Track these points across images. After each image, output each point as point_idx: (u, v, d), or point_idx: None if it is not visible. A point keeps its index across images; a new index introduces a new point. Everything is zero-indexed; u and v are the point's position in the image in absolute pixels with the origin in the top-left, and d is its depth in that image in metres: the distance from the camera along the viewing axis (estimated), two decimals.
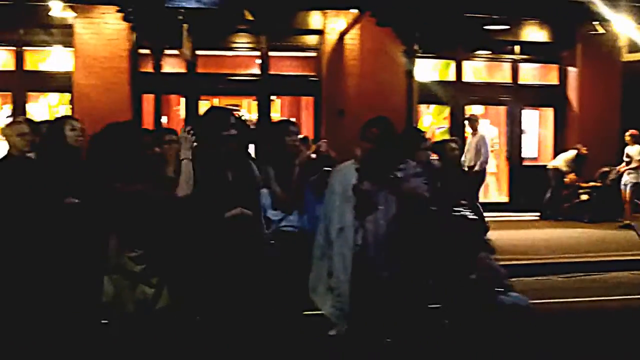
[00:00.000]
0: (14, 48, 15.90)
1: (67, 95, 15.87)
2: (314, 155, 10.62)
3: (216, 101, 16.47)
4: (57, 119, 7.67)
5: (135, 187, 5.89)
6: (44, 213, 6.47)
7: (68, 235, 6.43)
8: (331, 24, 16.29)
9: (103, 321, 6.32)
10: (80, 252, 6.35)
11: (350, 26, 16.00)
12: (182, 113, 16.56)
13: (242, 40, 16.53)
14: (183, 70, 15.80)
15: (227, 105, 15.55)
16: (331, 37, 16.34)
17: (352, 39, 16.18)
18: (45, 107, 16.13)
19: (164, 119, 15.15)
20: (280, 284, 6.69)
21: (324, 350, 6.73)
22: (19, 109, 15.36)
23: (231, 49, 16.63)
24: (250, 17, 14.95)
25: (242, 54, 16.77)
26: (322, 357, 6.65)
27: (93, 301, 6.09)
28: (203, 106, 15.87)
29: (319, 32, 16.45)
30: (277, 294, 6.71)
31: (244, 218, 5.96)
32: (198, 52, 15.81)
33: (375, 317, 6.05)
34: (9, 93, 15.91)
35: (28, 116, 14.72)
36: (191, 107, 16.03)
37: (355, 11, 15.20)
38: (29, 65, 16.02)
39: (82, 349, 6.36)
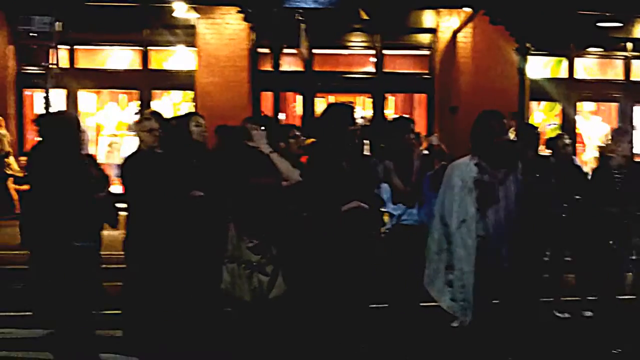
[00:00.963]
0: (140, 48, 16.67)
1: (190, 93, 16.56)
2: (426, 152, 10.85)
3: (332, 98, 16.88)
4: (183, 115, 7.97)
5: (266, 180, 6.26)
6: (171, 205, 6.84)
7: (192, 226, 6.77)
8: (444, 23, 16.53)
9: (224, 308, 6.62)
10: (203, 241, 6.63)
11: (463, 24, 16.19)
12: (299, 110, 17.05)
13: (357, 39, 16.89)
14: (300, 68, 16.27)
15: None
16: (444, 36, 16.57)
17: (464, 37, 16.37)
18: (168, 104, 16.85)
19: (281, 116, 15.69)
20: (399, 276, 6.94)
21: (446, 341, 6.97)
22: (144, 107, 16.13)
23: (346, 47, 17.01)
24: (365, 17, 15.30)
25: (357, 53, 17.13)
26: (444, 348, 6.84)
27: (213, 289, 6.35)
28: (319, 103, 16.35)
29: (432, 31, 16.70)
30: (393, 286, 6.96)
31: (361, 211, 6.03)
32: (314, 51, 16.25)
33: (495, 307, 6.13)
34: (135, 91, 16.70)
35: (146, 114, 15.57)
36: (307, 105, 16.51)
37: (469, 10, 15.40)
38: (153, 65, 16.78)
39: (203, 332, 6.69)
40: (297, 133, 7.56)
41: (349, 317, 6.04)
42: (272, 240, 6.16)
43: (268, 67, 15.28)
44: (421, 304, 7.05)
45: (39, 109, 15.58)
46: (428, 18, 16.59)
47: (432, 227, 6.27)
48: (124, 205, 6.94)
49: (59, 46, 14.85)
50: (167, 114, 15.24)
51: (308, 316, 6.13)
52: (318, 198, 6.06)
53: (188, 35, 16.34)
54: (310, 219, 6.06)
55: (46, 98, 14.39)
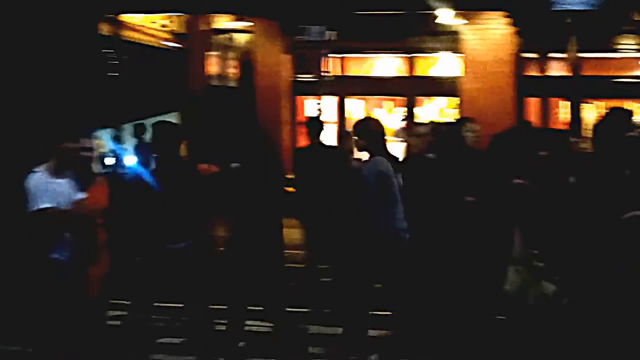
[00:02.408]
0: (406, 55, 17.00)
1: (454, 99, 16.63)
2: None
3: (601, 105, 16.26)
4: (455, 121, 8.08)
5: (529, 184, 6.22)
6: (445, 209, 6.96)
7: (467, 230, 6.87)
8: None
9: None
10: (481, 244, 6.75)
11: None
12: (562, 116, 16.60)
13: (628, 42, 16.16)
14: (567, 73, 15.82)
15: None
16: None
17: None
18: (433, 111, 17.02)
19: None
20: None
21: None
22: (410, 113, 16.42)
23: (616, 50, 16.34)
24: (638, 18, 14.64)
25: (628, 56, 16.40)
26: None
27: (497, 288, 6.38)
28: (586, 110, 15.81)
29: None
30: None
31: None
32: (582, 55, 15.73)
33: None
34: (401, 97, 17.05)
35: (417, 119, 15.84)
36: (574, 111, 16.01)
37: None
38: (419, 71, 17.04)
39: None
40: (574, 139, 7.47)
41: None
42: (556, 249, 6.10)
43: (533, 72, 15.04)
44: None
45: (310, 114, 16.33)
46: None
47: None
48: None
49: (330, 55, 15.50)
50: (431, 120, 15.62)
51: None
52: (599, 205, 5.91)
53: (452, 41, 16.42)
54: (590, 226, 5.94)
55: (319, 105, 15.11)
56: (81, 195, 5.80)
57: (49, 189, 5.63)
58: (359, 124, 7.04)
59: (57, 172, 5.75)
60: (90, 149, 6.04)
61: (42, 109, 12.17)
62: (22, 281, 5.99)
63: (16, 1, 13.53)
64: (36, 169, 5.74)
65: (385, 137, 6.87)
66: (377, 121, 7.29)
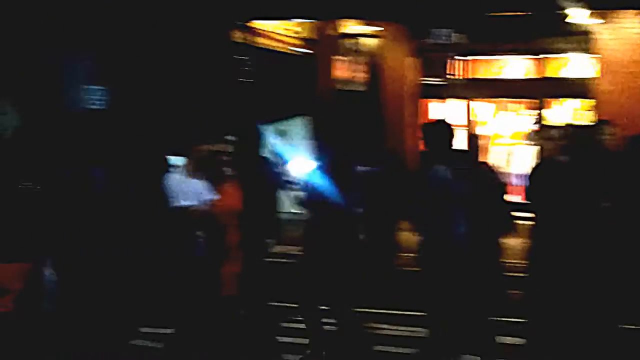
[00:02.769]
0: (536, 57, 16.69)
1: (587, 101, 16.22)
2: None
3: None
4: (591, 123, 7.92)
5: None
6: (579, 214, 6.82)
7: (600, 235, 6.72)
8: None
9: None
10: (619, 248, 6.61)
11: None
12: None
13: None
14: None
15: None
16: None
17: None
18: (564, 113, 16.66)
19: None
20: None
21: None
22: (540, 116, 16.12)
23: None
24: None
25: None
26: None
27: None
28: None
29: None
30: None
31: None
32: None
33: None
34: (530, 100, 16.76)
35: (547, 122, 15.55)
36: None
37: None
38: (549, 73, 16.70)
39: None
40: None
41: None
42: None
43: None
44: None
45: (435, 118, 16.29)
46: None
47: None
48: (525, 215, 7.07)
49: (458, 57, 15.41)
50: (561, 122, 15.30)
51: None
52: None
53: (585, 42, 16.01)
54: None
55: (443, 108, 15.05)
56: (214, 196, 6.00)
57: (186, 188, 5.86)
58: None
59: (192, 173, 5.97)
60: (225, 152, 6.24)
61: (178, 113, 12.63)
62: (160, 277, 6.22)
63: (155, 12, 14.08)
64: (173, 169, 5.99)
65: (451, 142, 6.87)
66: (443, 125, 7.21)
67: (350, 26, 17.31)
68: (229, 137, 6.46)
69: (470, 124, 16.81)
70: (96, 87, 14.96)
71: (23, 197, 5.57)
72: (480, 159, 8.70)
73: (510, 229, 8.29)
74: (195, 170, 5.94)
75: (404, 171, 10.63)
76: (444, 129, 7.08)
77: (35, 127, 11.00)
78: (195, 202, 5.82)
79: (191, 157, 5.98)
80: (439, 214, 6.60)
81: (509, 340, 7.43)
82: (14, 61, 16.35)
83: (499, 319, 7.83)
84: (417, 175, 8.06)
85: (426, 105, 17.37)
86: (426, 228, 6.71)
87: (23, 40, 15.56)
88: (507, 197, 8.56)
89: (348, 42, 17.44)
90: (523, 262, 7.26)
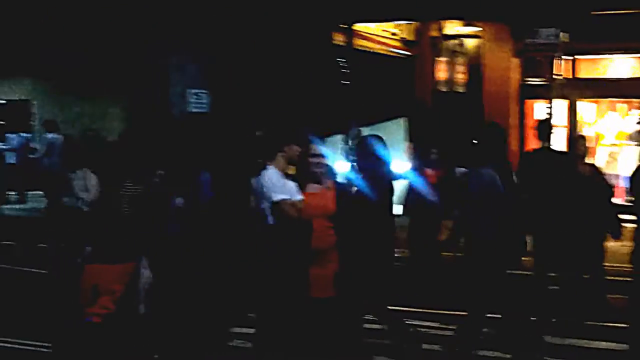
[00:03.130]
0: None
1: None
2: None
3: None
4: None
5: None
6: None
7: None
8: None
9: None
10: None
11: None
12: None
13: None
14: None
15: None
16: None
17: None
18: None
19: None
20: None
21: None
22: None
23: None
24: None
25: None
26: None
27: None
28: None
29: None
30: None
31: None
32: None
33: None
34: (636, 100, 16.32)
35: None
36: None
37: None
38: None
39: None
40: None
41: None
42: None
43: None
44: None
45: (539, 118, 16.05)
46: None
47: None
48: (631, 217, 6.92)
49: (560, 57, 15.15)
50: None
51: None
52: None
53: None
54: None
55: (549, 108, 14.81)
56: (301, 197, 6.04)
57: (282, 184, 5.96)
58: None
59: (283, 172, 6.08)
60: (318, 155, 6.28)
61: (277, 112, 12.82)
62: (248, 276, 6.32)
63: (257, 16, 14.33)
64: (268, 166, 6.06)
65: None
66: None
67: (451, 27, 17.23)
68: (322, 139, 6.49)
69: (574, 125, 16.48)
70: (200, 90, 15.35)
71: (127, 199, 5.71)
72: (586, 160, 8.58)
73: (618, 231, 8.15)
74: (285, 169, 6.01)
75: (505, 172, 10.49)
76: (497, 132, 7.04)
77: (141, 130, 11.33)
78: (289, 198, 5.87)
79: (283, 157, 6.04)
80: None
81: (612, 345, 7.29)
82: (119, 65, 16.93)
83: (599, 323, 7.73)
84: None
85: (529, 105, 17.14)
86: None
87: (128, 44, 16.08)
88: (614, 200, 8.46)
89: (448, 43, 17.36)
90: (626, 265, 7.10)
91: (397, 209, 7.51)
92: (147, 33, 15.57)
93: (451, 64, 17.33)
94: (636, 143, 15.54)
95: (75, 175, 9.05)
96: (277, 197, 5.94)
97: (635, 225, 6.84)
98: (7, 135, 18.41)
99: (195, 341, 6.66)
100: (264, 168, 6.10)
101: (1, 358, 7.30)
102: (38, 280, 9.86)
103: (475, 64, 17.13)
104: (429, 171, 10.35)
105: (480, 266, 6.53)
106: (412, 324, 7.23)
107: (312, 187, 6.18)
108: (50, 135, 16.29)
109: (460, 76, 17.38)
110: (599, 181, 8.42)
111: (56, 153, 14.57)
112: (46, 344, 7.06)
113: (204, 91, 15.63)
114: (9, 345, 7.48)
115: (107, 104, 19.07)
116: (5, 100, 20.79)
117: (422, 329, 7.79)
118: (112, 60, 17.20)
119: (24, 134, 18.66)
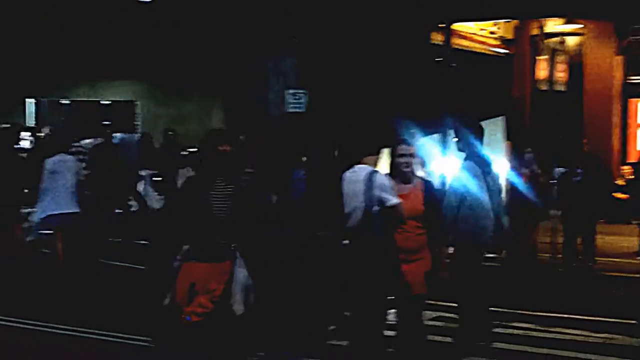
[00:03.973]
0: None
1: None
2: None
3: None
4: None
5: None
6: None
7: None
8: None
9: None
10: None
11: None
12: None
13: None
14: None
15: None
16: None
17: None
18: None
19: None
20: None
21: None
22: None
23: None
24: None
25: None
26: None
27: None
28: None
29: None
30: None
31: None
32: None
33: None
34: None
35: None
36: None
37: None
38: None
39: None
40: None
41: None
42: None
43: None
44: None
45: None
46: None
47: None
48: None
49: None
50: None
51: None
52: None
53: None
54: None
55: None
56: (396, 199, 6.02)
57: (391, 186, 5.96)
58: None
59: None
60: (407, 155, 6.24)
61: (376, 114, 12.83)
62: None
63: (355, 15, 14.38)
64: (375, 170, 6.05)
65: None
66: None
67: (552, 25, 16.91)
68: (418, 139, 6.49)
69: None
70: (297, 90, 15.46)
71: (219, 197, 5.74)
72: None
73: None
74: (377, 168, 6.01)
75: (602, 172, 10.31)
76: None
77: (240, 129, 11.51)
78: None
79: (377, 158, 6.04)
80: None
81: None
82: (219, 67, 17.23)
83: None
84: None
85: (633, 104, 16.70)
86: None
87: (229, 45, 16.35)
88: None
89: (549, 41, 17.04)
90: None
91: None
92: (246, 34, 15.81)
93: (551, 62, 17.01)
94: None
95: (180, 173, 9.21)
96: (393, 200, 5.93)
97: None
98: (113, 134, 18.91)
99: (293, 339, 6.72)
100: (351, 167, 6.11)
101: (103, 349, 7.47)
102: (137, 276, 10.04)
103: (576, 63, 16.78)
104: (524, 170, 10.25)
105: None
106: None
107: (403, 188, 6.16)
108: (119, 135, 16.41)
109: (561, 75, 17.04)
110: None
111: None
112: (143, 338, 7.16)
113: (302, 91, 15.74)
114: (107, 337, 7.63)
115: (209, 104, 19.41)
116: (110, 100, 21.39)
117: (517, 331, 7.72)
118: (213, 61, 17.51)
119: (128, 134, 19.07)
